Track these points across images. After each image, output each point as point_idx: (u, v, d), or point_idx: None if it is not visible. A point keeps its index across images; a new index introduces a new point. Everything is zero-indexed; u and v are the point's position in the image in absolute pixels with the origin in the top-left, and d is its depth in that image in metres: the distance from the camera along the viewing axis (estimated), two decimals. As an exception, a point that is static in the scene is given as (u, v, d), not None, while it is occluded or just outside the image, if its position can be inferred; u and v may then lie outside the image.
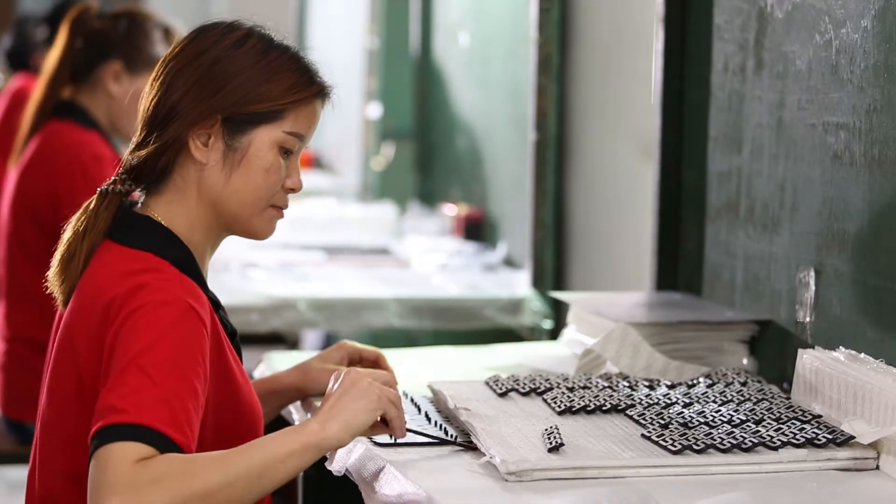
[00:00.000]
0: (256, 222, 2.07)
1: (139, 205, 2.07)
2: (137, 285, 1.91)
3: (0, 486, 4.93)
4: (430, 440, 2.06)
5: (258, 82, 2.02)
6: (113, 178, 2.05)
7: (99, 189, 2.04)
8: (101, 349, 1.90)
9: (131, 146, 2.06)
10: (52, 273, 2.03)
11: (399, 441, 2.03)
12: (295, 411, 2.38)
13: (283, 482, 1.87)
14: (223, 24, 2.07)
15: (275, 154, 2.04)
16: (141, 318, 1.88)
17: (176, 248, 2.01)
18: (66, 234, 2.03)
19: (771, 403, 2.20)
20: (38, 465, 2.00)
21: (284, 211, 2.10)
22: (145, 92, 2.06)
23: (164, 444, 1.79)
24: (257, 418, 2.07)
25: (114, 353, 1.87)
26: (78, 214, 2.04)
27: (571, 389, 2.30)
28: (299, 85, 2.05)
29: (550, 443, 1.98)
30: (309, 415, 2.31)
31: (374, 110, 5.81)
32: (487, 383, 2.36)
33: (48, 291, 2.04)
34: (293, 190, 2.09)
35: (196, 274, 2.02)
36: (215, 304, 2.04)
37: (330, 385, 1.97)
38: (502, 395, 2.29)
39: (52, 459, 1.97)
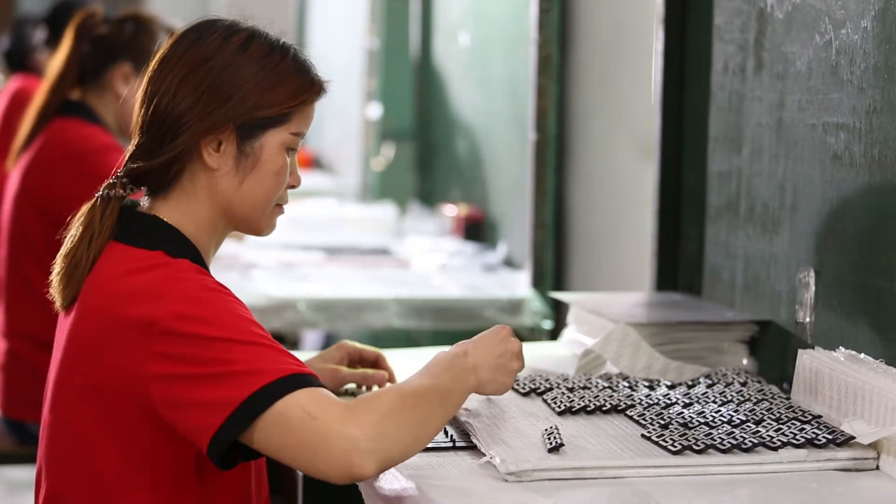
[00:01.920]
0: (264, 221, 2.09)
1: (142, 205, 2.07)
2: (155, 283, 1.92)
3: (0, 486, 4.93)
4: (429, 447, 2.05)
5: (265, 88, 2.02)
6: (111, 181, 2.04)
7: (98, 195, 2.03)
8: (118, 350, 1.90)
9: (131, 150, 2.05)
10: (55, 278, 2.02)
11: None
12: (295, 411, 2.38)
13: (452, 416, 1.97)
14: (222, 26, 2.05)
15: (283, 155, 2.05)
16: (191, 304, 1.89)
17: (184, 247, 2.01)
18: (69, 241, 2.02)
19: (771, 404, 2.20)
20: (45, 464, 2.00)
21: (284, 207, 2.12)
22: (139, 94, 2.05)
23: (312, 381, 1.85)
24: None
25: (187, 344, 1.87)
26: (79, 220, 2.02)
27: (571, 389, 2.31)
28: (303, 87, 2.05)
29: (550, 443, 1.98)
30: None
31: (374, 110, 5.81)
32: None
33: (48, 296, 2.04)
34: (293, 186, 2.10)
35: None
36: None
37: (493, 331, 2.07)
38: (525, 394, 2.30)
39: (62, 459, 1.97)
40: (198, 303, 1.90)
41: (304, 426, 1.81)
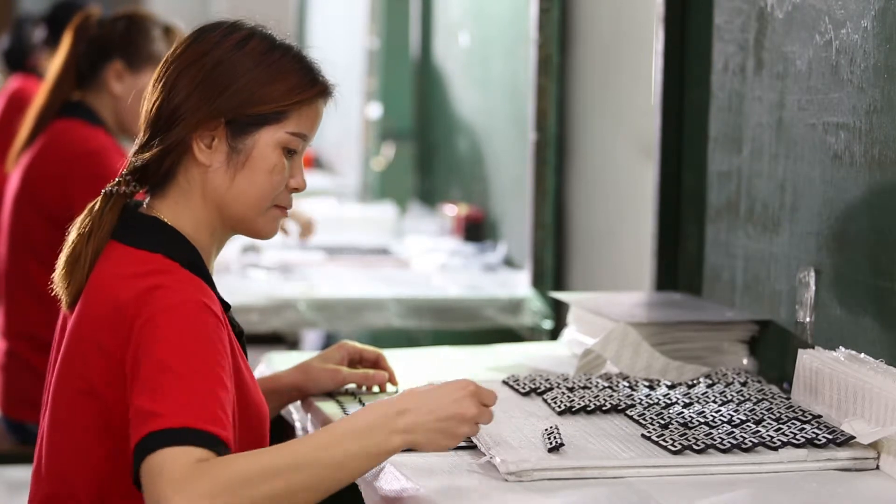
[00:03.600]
0: (261, 223, 2.07)
1: (144, 205, 2.07)
2: (152, 287, 1.91)
3: (0, 486, 4.93)
4: None
5: (261, 84, 2.01)
6: (117, 179, 2.04)
7: (103, 190, 2.04)
8: (114, 353, 1.90)
9: (135, 147, 2.06)
10: (58, 275, 2.02)
11: None
12: (295, 411, 2.38)
13: (348, 483, 1.85)
14: (225, 25, 2.06)
15: (278, 155, 2.04)
16: (162, 321, 1.88)
17: (185, 249, 2.01)
18: (71, 236, 2.02)
19: (771, 403, 2.20)
20: (43, 466, 2.00)
21: (288, 211, 2.10)
22: (147, 93, 2.06)
23: (210, 441, 1.79)
24: (263, 418, 2.07)
25: (139, 357, 1.86)
26: (83, 216, 2.03)
27: (571, 389, 2.31)
28: (302, 85, 2.04)
29: (550, 443, 1.98)
30: (309, 416, 2.31)
31: (374, 110, 5.81)
32: (506, 382, 2.36)
33: (53, 293, 2.04)
34: (297, 190, 2.08)
35: (205, 275, 2.02)
36: (224, 305, 2.04)
37: (435, 383, 1.93)
38: (525, 394, 2.30)
39: (60, 461, 1.97)
40: (169, 318, 1.88)
41: (152, 482, 1.76)
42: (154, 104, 2.03)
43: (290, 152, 2.06)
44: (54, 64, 3.60)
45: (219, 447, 1.79)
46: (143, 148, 2.04)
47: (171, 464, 1.75)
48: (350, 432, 1.84)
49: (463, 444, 2.04)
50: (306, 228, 4.15)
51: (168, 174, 2.04)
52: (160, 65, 2.06)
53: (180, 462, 1.75)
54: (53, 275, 2.03)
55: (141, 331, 1.88)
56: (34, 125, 3.58)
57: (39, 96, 3.61)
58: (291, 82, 2.04)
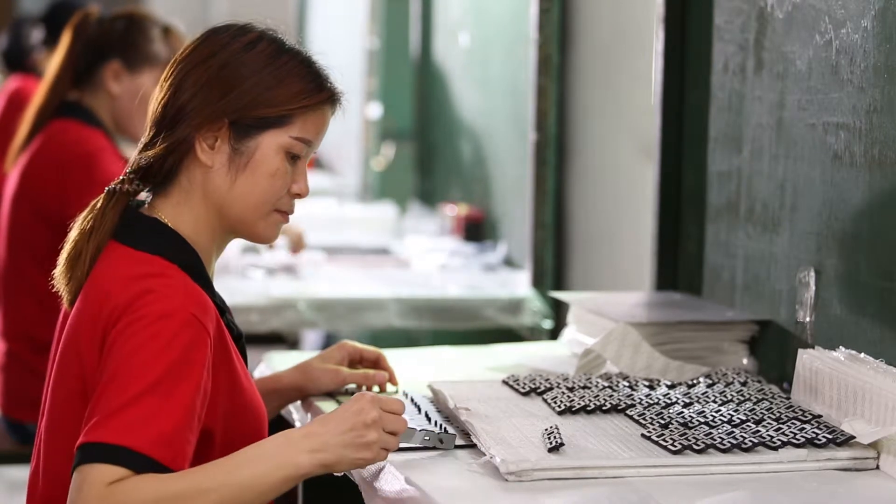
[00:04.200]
0: (261, 226, 2.07)
1: (146, 205, 2.07)
2: (142, 291, 1.91)
3: (0, 486, 4.93)
4: (428, 447, 2.04)
5: (266, 87, 2.01)
6: (121, 177, 2.04)
7: (106, 188, 2.04)
8: (101, 354, 1.90)
9: (140, 146, 2.06)
10: (59, 272, 2.02)
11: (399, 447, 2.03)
12: (295, 411, 2.38)
13: None
14: (235, 27, 2.06)
15: (281, 159, 2.04)
16: (139, 329, 1.87)
17: (184, 252, 2.01)
18: (73, 233, 2.02)
19: (771, 403, 2.20)
20: (41, 467, 2.00)
21: (290, 216, 2.10)
22: (154, 93, 2.06)
23: (144, 464, 1.79)
24: (261, 421, 2.07)
25: (108, 361, 1.86)
26: (85, 213, 2.03)
27: (571, 389, 2.31)
28: (308, 91, 2.04)
29: (550, 443, 1.98)
30: (309, 416, 2.32)
31: (374, 110, 5.81)
32: (506, 382, 2.36)
33: (54, 290, 2.04)
34: (299, 195, 2.08)
35: (203, 278, 2.01)
36: (222, 308, 2.04)
37: (340, 406, 1.93)
38: (525, 394, 2.30)
39: (57, 462, 1.97)
40: (149, 328, 1.87)
41: (72, 494, 1.79)
42: (160, 103, 2.03)
43: (293, 157, 2.05)
44: (53, 63, 3.60)
45: (145, 469, 1.79)
46: (147, 146, 2.04)
47: (90, 481, 1.78)
48: (257, 456, 1.84)
49: (463, 444, 2.04)
50: (297, 243, 4.09)
51: (170, 173, 2.04)
52: (169, 64, 2.06)
53: (98, 480, 1.77)
54: (52, 274, 2.03)
55: (119, 335, 1.87)
56: (32, 124, 3.58)
57: (38, 95, 3.61)
58: (297, 87, 2.03)
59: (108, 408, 1.82)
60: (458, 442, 2.05)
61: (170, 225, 2.03)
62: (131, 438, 1.79)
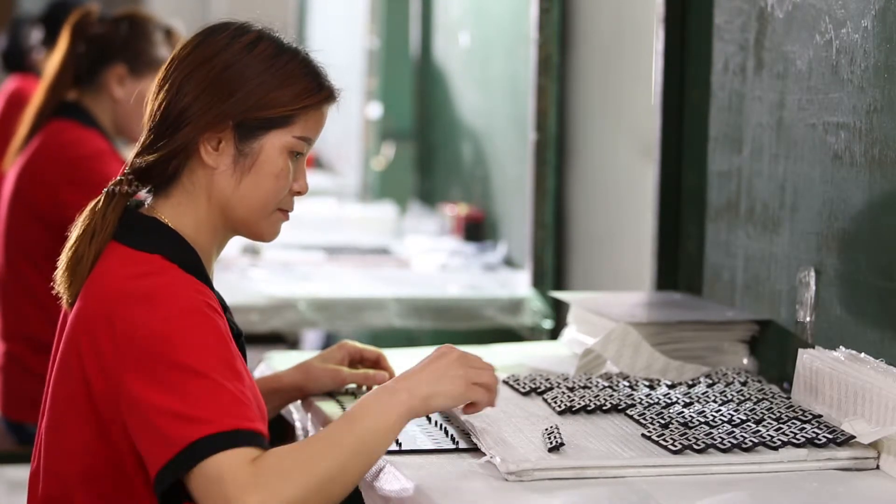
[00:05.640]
0: (264, 225, 2.07)
1: (145, 205, 2.06)
2: (150, 292, 1.92)
3: (0, 486, 4.93)
4: (431, 448, 2.05)
5: (269, 88, 2.01)
6: (119, 178, 2.04)
7: (105, 190, 2.04)
8: (105, 354, 1.90)
9: (138, 148, 2.05)
10: (60, 274, 2.02)
11: (401, 448, 2.03)
12: (295, 410, 2.38)
13: (384, 452, 1.92)
14: (233, 27, 2.05)
15: (284, 159, 2.04)
16: (173, 325, 1.88)
17: (185, 251, 2.01)
18: (73, 235, 2.02)
19: (771, 403, 2.21)
20: (42, 468, 1.99)
21: (290, 213, 2.10)
22: (151, 94, 2.05)
23: (255, 438, 1.83)
24: (262, 419, 2.07)
25: (154, 361, 1.86)
26: (84, 215, 2.03)
27: (571, 389, 2.31)
28: (309, 90, 2.04)
29: (551, 442, 1.98)
30: (309, 416, 2.32)
31: (374, 110, 5.81)
32: (506, 382, 2.36)
33: (54, 292, 2.04)
34: (300, 193, 2.09)
35: (204, 277, 2.02)
36: (222, 307, 2.04)
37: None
38: (525, 394, 2.30)
39: (59, 462, 1.97)
40: (177, 324, 1.89)
41: (213, 487, 1.80)
42: (160, 105, 2.02)
43: (295, 156, 2.06)
44: (52, 62, 3.59)
45: (262, 442, 1.84)
46: (147, 149, 2.03)
47: (229, 467, 1.80)
48: (361, 414, 1.90)
49: (463, 444, 2.04)
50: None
51: (173, 176, 2.04)
52: (165, 65, 2.05)
53: (237, 464, 1.80)
54: (50, 275, 2.03)
55: (146, 337, 1.87)
56: (31, 125, 3.58)
57: (37, 95, 3.60)
58: (299, 87, 2.03)
59: (190, 399, 1.83)
60: (462, 445, 2.05)
61: (170, 225, 2.03)
62: (235, 420, 1.83)
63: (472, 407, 2.02)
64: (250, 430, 1.83)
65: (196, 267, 2.01)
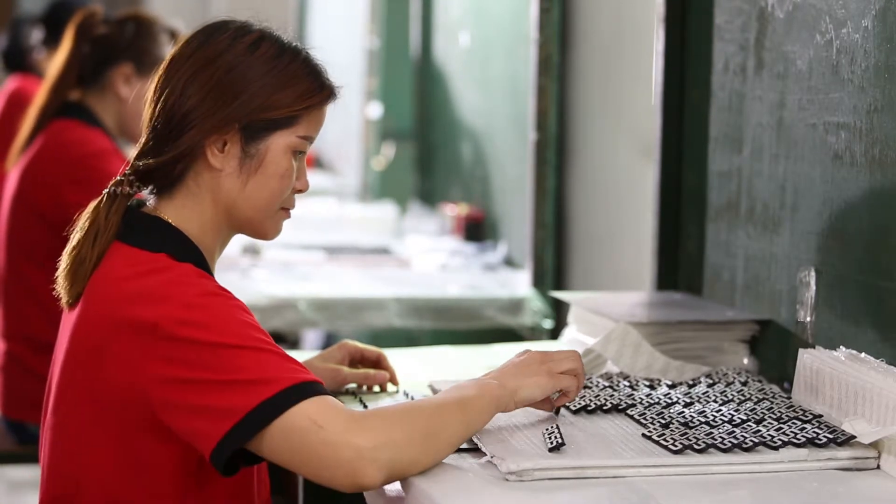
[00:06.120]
0: (268, 224, 2.09)
1: (147, 205, 2.06)
2: (163, 287, 1.92)
3: (0, 487, 4.93)
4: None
5: (273, 89, 2.01)
6: (119, 178, 2.04)
7: (106, 191, 2.03)
8: (119, 354, 1.90)
9: (139, 149, 2.05)
10: (61, 276, 2.01)
11: None
12: (295, 411, 2.38)
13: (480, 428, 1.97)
14: (233, 27, 2.05)
15: (289, 159, 2.04)
16: (193, 310, 1.89)
17: (189, 250, 2.01)
18: (75, 236, 2.01)
19: (772, 403, 2.20)
20: (50, 467, 1.99)
21: (291, 211, 2.11)
22: (150, 94, 2.05)
23: (322, 389, 1.86)
24: None
25: (187, 349, 1.86)
26: (85, 216, 2.02)
27: (572, 389, 2.30)
28: (312, 90, 2.05)
29: (551, 442, 1.98)
30: None
31: (374, 110, 5.81)
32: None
33: (55, 293, 2.03)
34: (301, 191, 2.09)
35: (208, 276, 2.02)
36: None
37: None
38: None
39: (64, 461, 1.97)
40: (201, 308, 1.90)
41: (311, 436, 1.81)
42: (162, 107, 2.02)
43: (297, 154, 2.06)
44: (55, 62, 3.59)
45: (326, 393, 1.87)
46: (150, 151, 2.02)
47: (319, 413, 1.83)
48: (463, 386, 1.96)
49: (463, 444, 2.04)
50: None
51: (178, 178, 2.04)
52: (164, 65, 2.05)
53: (326, 409, 1.83)
54: (52, 274, 2.03)
55: (172, 335, 1.87)
56: (34, 124, 3.58)
57: (40, 95, 3.61)
58: (302, 87, 2.04)
59: (250, 369, 1.85)
60: (462, 445, 2.05)
61: (173, 224, 2.03)
62: (298, 375, 1.86)
63: (564, 397, 2.07)
64: (315, 382, 1.86)
65: (200, 266, 2.01)
